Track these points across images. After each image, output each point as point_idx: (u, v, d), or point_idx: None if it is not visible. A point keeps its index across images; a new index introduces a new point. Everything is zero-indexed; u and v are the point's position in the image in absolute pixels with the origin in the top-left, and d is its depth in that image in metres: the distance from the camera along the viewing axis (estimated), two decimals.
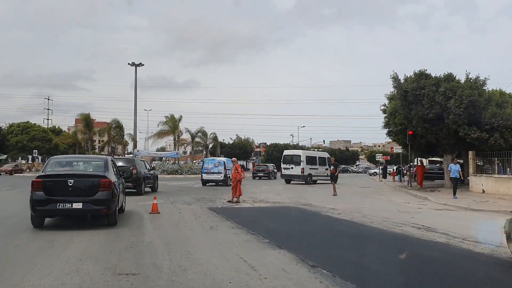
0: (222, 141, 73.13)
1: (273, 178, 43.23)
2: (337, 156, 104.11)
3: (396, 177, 39.49)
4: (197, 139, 60.30)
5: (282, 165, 34.54)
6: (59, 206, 9.27)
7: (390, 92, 28.46)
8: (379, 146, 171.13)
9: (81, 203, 9.31)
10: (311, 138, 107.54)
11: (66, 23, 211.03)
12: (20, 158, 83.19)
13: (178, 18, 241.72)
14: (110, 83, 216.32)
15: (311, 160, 34.10)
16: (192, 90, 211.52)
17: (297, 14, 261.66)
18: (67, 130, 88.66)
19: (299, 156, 33.62)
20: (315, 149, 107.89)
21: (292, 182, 34.60)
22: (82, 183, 9.55)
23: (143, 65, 57.68)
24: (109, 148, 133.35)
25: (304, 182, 33.25)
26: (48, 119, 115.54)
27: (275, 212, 14.34)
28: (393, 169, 43.85)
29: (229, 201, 16.88)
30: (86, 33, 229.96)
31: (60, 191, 9.35)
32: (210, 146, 62.15)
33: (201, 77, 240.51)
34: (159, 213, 12.83)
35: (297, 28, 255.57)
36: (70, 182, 9.39)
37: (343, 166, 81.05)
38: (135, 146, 54.50)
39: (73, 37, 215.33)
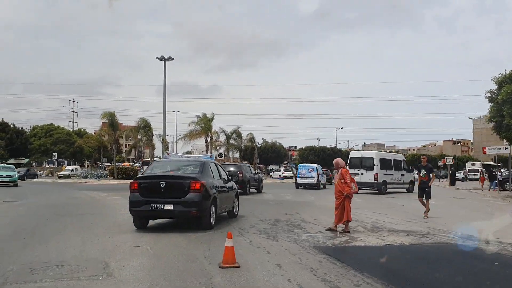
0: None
1: (322, 187, 33.97)
2: None
3: (486, 184, 32.20)
4: (231, 141, 53.99)
5: (349, 170, 27.84)
6: (152, 208, 9.43)
7: (500, 74, 21.59)
8: (413, 149, 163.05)
9: (172, 205, 9.36)
10: (348, 141, 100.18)
11: (91, 31, 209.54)
12: (45, 162, 79.31)
13: (200, 24, 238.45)
14: (135, 88, 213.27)
15: (385, 164, 27.40)
16: (215, 95, 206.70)
17: (319, 18, 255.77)
18: (93, 134, 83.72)
19: (372, 158, 26.93)
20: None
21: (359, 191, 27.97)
22: (173, 185, 9.59)
23: (173, 59, 52.01)
24: (136, 152, 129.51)
25: (377, 191, 26.58)
26: (73, 122, 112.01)
27: (445, 260, 7.76)
28: (482, 174, 36.46)
29: (330, 229, 10.46)
30: (111, 41, 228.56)
31: (153, 193, 9.56)
32: (243, 146, 55.44)
33: (223, 82, 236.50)
34: (238, 266, 6.49)
35: (319, 32, 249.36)
36: (162, 183, 9.53)
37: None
38: (166, 148, 48.55)
39: (98, 44, 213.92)
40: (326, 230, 10.52)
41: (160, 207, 9.41)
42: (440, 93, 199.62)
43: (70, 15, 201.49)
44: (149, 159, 50.72)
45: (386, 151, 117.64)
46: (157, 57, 51.76)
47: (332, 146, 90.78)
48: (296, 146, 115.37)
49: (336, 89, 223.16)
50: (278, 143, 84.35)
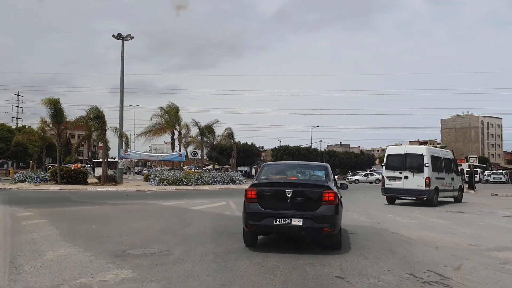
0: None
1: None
2: (352, 161, 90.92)
3: None
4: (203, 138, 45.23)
5: (385, 173, 20.12)
6: (276, 222, 7.84)
7: None
8: (377, 150, 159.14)
9: (301, 219, 7.77)
10: (321, 141, 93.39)
11: (44, 28, 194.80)
12: None
13: (157, 23, 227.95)
14: (89, 88, 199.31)
15: (436, 164, 19.83)
16: (173, 95, 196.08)
17: (279, 20, 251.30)
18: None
19: (421, 156, 19.23)
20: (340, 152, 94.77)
21: (396, 201, 20.45)
22: (302, 195, 8.01)
23: (133, 37, 43.14)
24: (89, 152, 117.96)
25: (427, 202, 19.04)
26: (17, 118, 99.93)
27: None
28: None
29: None
30: (64, 38, 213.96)
31: (277, 204, 7.97)
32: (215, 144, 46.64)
33: (181, 82, 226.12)
34: None
35: (280, 33, 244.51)
36: (289, 192, 7.92)
37: (359, 173, 65.75)
38: (125, 144, 39.36)
39: (51, 41, 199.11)
40: None
41: (286, 221, 7.78)
42: (406, 94, 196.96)
43: (23, 12, 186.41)
44: (101, 160, 41.53)
45: (357, 151, 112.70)
46: (113, 35, 42.81)
47: (307, 145, 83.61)
48: (263, 147, 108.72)
49: (299, 90, 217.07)
50: (251, 143, 76.62)
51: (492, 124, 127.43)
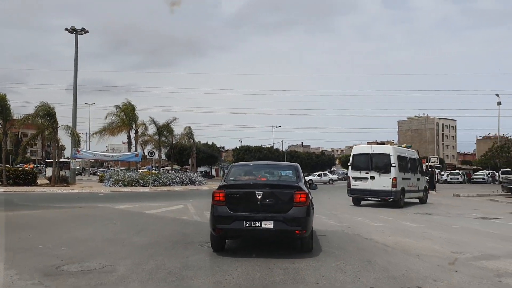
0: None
1: None
2: (313, 161, 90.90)
3: None
4: (162, 138, 43.53)
5: (351, 173, 19.35)
6: (245, 225, 7.46)
7: None
8: (337, 151, 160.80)
9: (272, 222, 7.44)
10: (282, 141, 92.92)
11: None
12: None
13: (115, 20, 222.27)
14: (45, 86, 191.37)
15: (402, 164, 19.20)
16: (132, 94, 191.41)
17: (240, 21, 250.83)
18: None
19: (388, 156, 18.54)
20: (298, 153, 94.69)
21: (362, 202, 19.78)
22: (273, 196, 7.65)
23: (87, 31, 41.03)
24: (43, 152, 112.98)
25: (393, 204, 18.42)
26: None
27: None
28: None
29: None
30: (18, 34, 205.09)
31: (247, 206, 7.60)
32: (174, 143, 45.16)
33: (141, 81, 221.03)
34: None
35: (240, 34, 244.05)
36: (259, 194, 7.56)
37: (319, 173, 65.58)
38: (76, 144, 37.22)
39: (4, 37, 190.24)
40: None
41: (256, 224, 7.43)
42: (365, 95, 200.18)
43: None
44: (52, 160, 39.19)
45: (318, 151, 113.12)
46: (66, 29, 40.60)
47: (269, 145, 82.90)
48: (224, 147, 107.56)
49: (261, 90, 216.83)
50: (211, 143, 75.14)
51: (447, 125, 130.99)
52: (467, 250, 8.51)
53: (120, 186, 32.97)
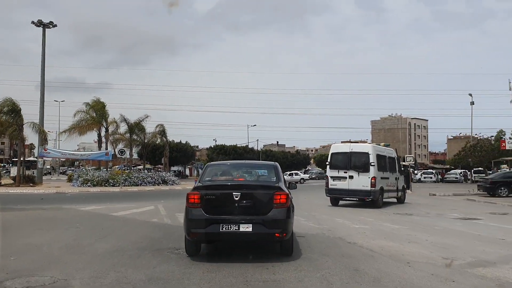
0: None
1: None
2: (288, 161, 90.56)
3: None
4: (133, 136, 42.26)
5: (329, 173, 18.75)
6: (222, 229, 6.97)
7: None
8: (312, 150, 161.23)
9: (250, 225, 6.99)
10: (258, 140, 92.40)
11: None
12: None
13: (86, 17, 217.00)
14: (11, 83, 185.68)
15: (381, 163, 18.69)
16: (104, 92, 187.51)
17: (214, 19, 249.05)
18: None
19: (367, 155, 17.99)
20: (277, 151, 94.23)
21: (340, 202, 19.22)
22: (251, 197, 7.20)
23: (55, 25, 39.49)
24: (11, 151, 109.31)
25: (372, 203, 17.93)
26: None
27: None
28: None
29: None
30: None
31: (224, 208, 7.16)
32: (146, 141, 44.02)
33: (113, 79, 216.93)
34: None
35: (215, 33, 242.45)
36: (236, 195, 7.08)
37: (293, 172, 65.26)
38: (43, 142, 35.65)
39: None
40: None
41: (234, 228, 6.95)
42: (339, 95, 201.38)
43: None
44: (17, 159, 37.51)
45: (293, 150, 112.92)
46: (32, 22, 38.96)
47: (244, 144, 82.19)
48: (198, 146, 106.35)
49: (235, 87, 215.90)
50: (185, 142, 73.91)
51: (419, 125, 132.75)
52: (458, 255, 7.91)
53: (89, 186, 31.76)
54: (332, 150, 19.29)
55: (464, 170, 61.39)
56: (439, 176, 61.57)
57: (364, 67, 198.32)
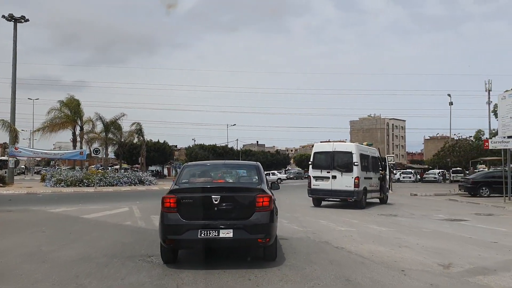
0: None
1: None
2: (268, 160, 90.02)
3: None
4: (109, 135, 41.11)
5: (312, 173, 18.18)
6: (201, 235, 6.41)
7: None
8: (291, 150, 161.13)
9: (231, 230, 6.45)
10: (237, 140, 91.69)
11: None
12: None
13: (63, 14, 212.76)
14: None
15: (364, 163, 18.20)
16: (81, 90, 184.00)
17: (193, 19, 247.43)
18: None
19: (350, 154, 17.47)
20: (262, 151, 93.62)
21: (323, 203, 18.69)
22: (232, 200, 6.66)
23: (27, 20, 38.13)
24: None
25: (355, 204, 17.44)
26: None
27: None
28: None
29: None
30: None
31: (202, 212, 6.56)
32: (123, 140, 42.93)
33: (90, 78, 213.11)
34: None
35: (194, 32, 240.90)
36: (216, 198, 6.54)
37: (272, 172, 64.81)
38: (14, 140, 34.26)
39: None
40: None
41: (213, 234, 6.39)
42: (319, 94, 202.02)
43: None
44: None
45: (273, 150, 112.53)
46: (3, 16, 37.48)
47: (223, 144, 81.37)
48: (177, 146, 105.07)
49: (215, 86, 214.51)
50: (163, 141, 72.78)
51: (397, 126, 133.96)
52: (454, 261, 7.36)
53: (62, 186, 30.59)
54: (315, 149, 18.72)
55: (442, 170, 61.76)
56: (418, 176, 61.84)
57: (343, 67, 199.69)
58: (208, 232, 6.47)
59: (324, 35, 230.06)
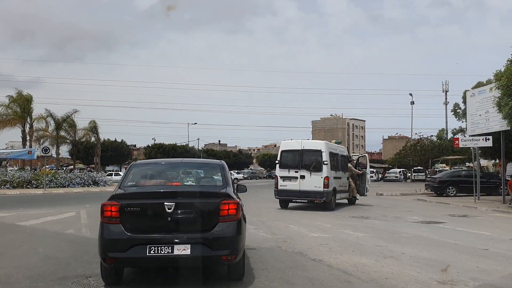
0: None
1: None
2: (231, 160, 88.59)
3: None
4: (62, 132, 38.72)
5: (279, 172, 16.96)
6: (150, 252, 5.20)
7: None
8: (254, 150, 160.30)
9: (189, 245, 5.26)
10: (199, 139, 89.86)
11: None
12: None
13: (15, 8, 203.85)
14: None
15: (333, 162, 17.12)
16: (36, 88, 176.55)
17: (154, 16, 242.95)
18: None
19: (320, 152, 16.34)
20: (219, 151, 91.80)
21: (290, 205, 17.55)
22: (190, 208, 5.49)
23: None
24: None
25: (324, 205, 16.40)
26: None
27: None
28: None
29: None
30: None
31: (152, 224, 5.42)
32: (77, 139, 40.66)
33: (45, 75, 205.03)
34: None
35: (154, 30, 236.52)
36: (169, 206, 5.33)
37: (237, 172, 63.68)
38: None
39: None
40: None
41: (166, 250, 5.19)
42: (280, 93, 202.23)
43: None
44: None
45: (235, 150, 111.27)
46: None
47: (184, 143, 79.45)
48: (136, 145, 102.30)
49: (175, 83, 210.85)
50: (120, 140, 70.23)
51: (357, 125, 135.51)
52: (453, 276, 6.26)
53: (7, 188, 28.29)
54: (282, 147, 17.50)
55: (403, 170, 62.16)
56: (380, 175, 61.98)
57: (305, 67, 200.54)
58: (160, 248, 5.23)
59: (286, 36, 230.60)
